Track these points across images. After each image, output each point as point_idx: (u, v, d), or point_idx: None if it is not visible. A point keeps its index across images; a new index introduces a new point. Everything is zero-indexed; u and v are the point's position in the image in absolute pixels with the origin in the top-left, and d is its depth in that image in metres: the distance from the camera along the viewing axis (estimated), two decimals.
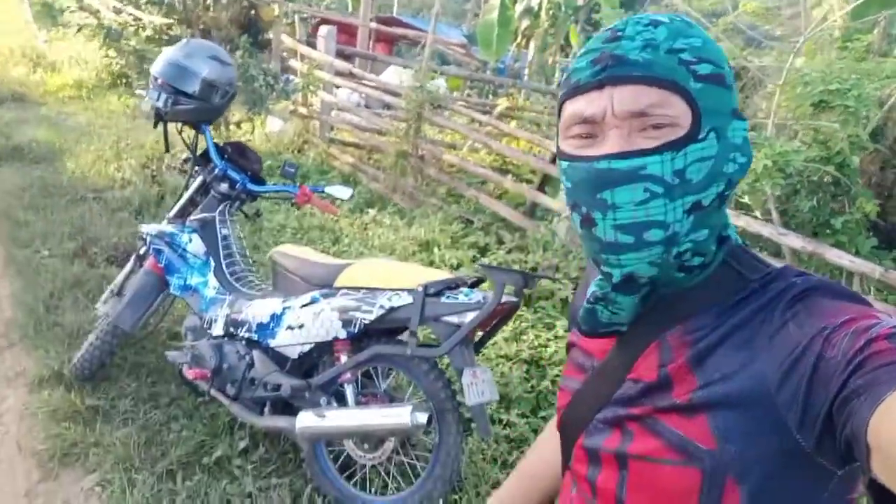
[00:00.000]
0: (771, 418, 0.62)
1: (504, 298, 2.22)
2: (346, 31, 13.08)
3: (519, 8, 10.79)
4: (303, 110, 6.76)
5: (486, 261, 3.39)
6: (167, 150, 2.98)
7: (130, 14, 6.90)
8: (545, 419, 2.90)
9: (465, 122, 6.27)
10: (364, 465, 2.48)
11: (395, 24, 16.07)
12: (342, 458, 2.49)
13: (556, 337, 3.33)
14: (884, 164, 4.67)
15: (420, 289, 2.27)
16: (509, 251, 4.17)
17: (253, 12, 11.44)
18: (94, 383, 2.94)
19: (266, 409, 2.52)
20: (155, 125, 2.78)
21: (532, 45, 10.99)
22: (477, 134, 5.30)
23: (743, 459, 0.64)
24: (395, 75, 9.97)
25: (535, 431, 2.84)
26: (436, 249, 4.28)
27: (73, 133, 7.19)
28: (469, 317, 2.23)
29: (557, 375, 3.13)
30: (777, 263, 0.76)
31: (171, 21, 7.02)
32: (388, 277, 2.37)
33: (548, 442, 1.01)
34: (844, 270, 2.79)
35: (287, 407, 2.52)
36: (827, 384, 0.58)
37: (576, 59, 0.72)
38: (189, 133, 2.87)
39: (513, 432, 2.80)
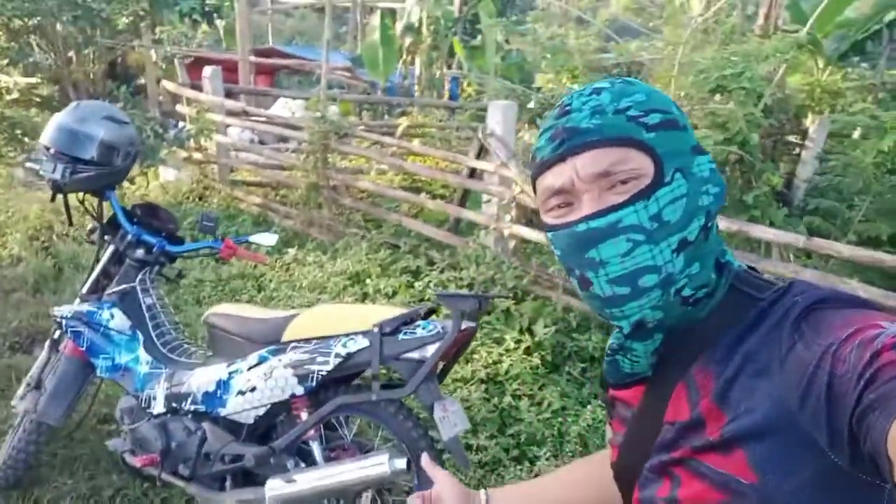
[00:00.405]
0: (803, 442, 0.62)
1: (464, 325, 2.18)
2: (226, 68, 12.69)
3: (399, 26, 10.85)
4: (198, 156, 6.46)
5: (441, 290, 3.33)
6: (70, 224, 2.74)
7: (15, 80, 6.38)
8: (513, 437, 2.87)
9: (367, 146, 6.21)
10: None
11: (274, 55, 15.75)
12: None
13: (507, 350, 3.31)
14: (768, 135, 5.01)
15: (375, 329, 2.18)
16: (442, 271, 4.13)
17: (120, 60, 10.89)
18: (23, 489, 2.65)
19: (227, 484, 2.34)
20: (53, 198, 2.55)
21: (418, 60, 11.06)
22: (386, 157, 5.24)
23: (788, 488, 0.64)
24: (284, 108, 9.75)
25: (506, 451, 2.81)
26: (368, 280, 4.18)
27: None
28: (431, 350, 2.17)
29: (516, 390, 3.12)
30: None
31: (37, 80, 6.55)
32: (338, 323, 2.27)
33: (600, 466, 1.00)
34: (769, 243, 2.95)
35: (248, 476, 2.35)
36: (843, 401, 0.58)
37: (536, 140, 0.78)
38: (92, 201, 2.64)
39: (484, 456, 2.75)
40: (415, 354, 2.19)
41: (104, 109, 2.56)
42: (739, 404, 0.67)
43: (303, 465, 2.28)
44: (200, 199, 6.47)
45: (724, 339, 0.72)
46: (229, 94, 7.48)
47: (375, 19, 11.08)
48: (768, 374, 0.66)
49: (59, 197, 2.57)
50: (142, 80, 10.16)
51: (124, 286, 2.59)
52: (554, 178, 0.74)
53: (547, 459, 2.67)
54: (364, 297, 4.07)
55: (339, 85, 13.28)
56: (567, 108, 0.74)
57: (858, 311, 0.66)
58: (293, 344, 2.28)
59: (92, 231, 2.72)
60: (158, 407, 2.42)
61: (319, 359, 2.20)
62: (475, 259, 3.95)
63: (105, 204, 2.66)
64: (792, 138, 5.50)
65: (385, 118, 9.82)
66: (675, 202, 0.71)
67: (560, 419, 2.91)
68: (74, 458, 2.80)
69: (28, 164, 2.55)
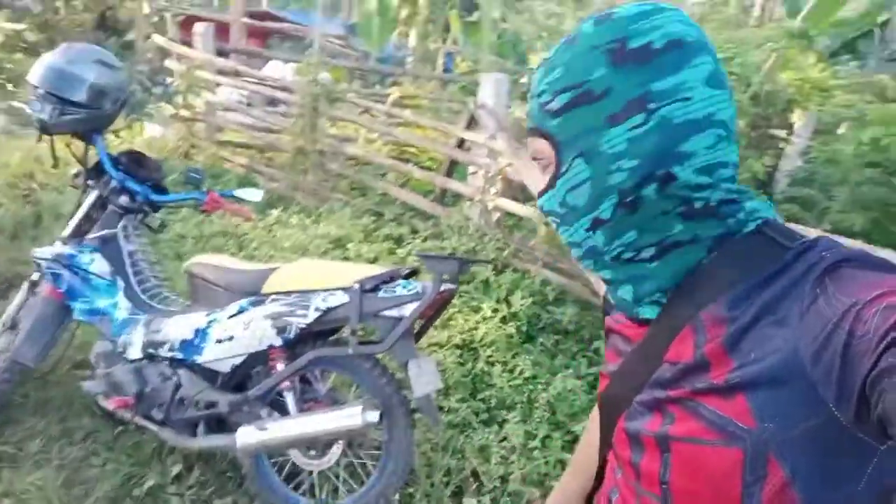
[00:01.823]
0: (808, 395, 0.62)
1: (442, 287, 2.22)
2: (217, 28, 12.48)
3: None
4: (185, 113, 6.39)
5: (424, 252, 3.34)
6: (55, 166, 2.72)
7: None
8: (483, 401, 2.93)
9: (358, 113, 6.17)
10: (311, 472, 2.40)
11: (268, 19, 15.53)
12: (287, 467, 2.40)
13: (483, 319, 3.36)
14: (755, 127, 5.06)
15: (356, 286, 2.21)
16: (425, 240, 4.16)
17: (111, 12, 10.69)
18: None
19: (200, 430, 2.37)
20: (39, 139, 2.53)
21: (413, 33, 10.96)
22: (375, 124, 5.22)
23: (784, 437, 0.65)
24: (275, 71, 9.64)
25: (476, 414, 2.86)
26: (349, 245, 4.19)
27: None
28: (409, 309, 2.20)
29: (490, 356, 3.17)
30: None
31: (24, 26, 6.41)
32: (319, 278, 2.29)
33: (592, 433, 1.01)
34: None
35: (221, 424, 2.39)
36: (859, 361, 0.57)
37: None
38: (78, 145, 2.63)
39: (455, 417, 2.81)
40: (393, 312, 2.22)
41: (96, 52, 2.53)
42: (750, 352, 0.66)
43: (276, 415, 2.31)
44: (186, 156, 6.40)
45: (744, 284, 0.69)
46: (220, 54, 7.39)
47: None
48: (786, 326, 0.65)
49: (46, 140, 2.56)
50: (132, 35, 10.00)
51: (106, 231, 2.59)
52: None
53: (515, 423, 2.73)
54: (345, 262, 4.09)
55: (332, 53, 13.16)
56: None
57: (887, 274, 0.64)
58: (273, 296, 2.30)
59: (76, 175, 2.70)
60: (135, 352, 2.43)
61: (298, 311, 2.23)
62: (458, 230, 3.98)
63: (91, 149, 2.64)
64: (778, 132, 5.57)
65: (376, 88, 9.75)
66: (576, 189, 0.73)
67: (531, 387, 2.97)
68: (47, 401, 2.81)
69: (15, 104, 2.51)
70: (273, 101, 7.43)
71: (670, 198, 0.71)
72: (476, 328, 3.30)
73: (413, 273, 2.39)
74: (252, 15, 14.11)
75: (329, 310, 2.22)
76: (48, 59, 2.45)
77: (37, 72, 2.43)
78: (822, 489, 0.65)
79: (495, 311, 3.38)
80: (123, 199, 2.60)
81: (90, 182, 2.66)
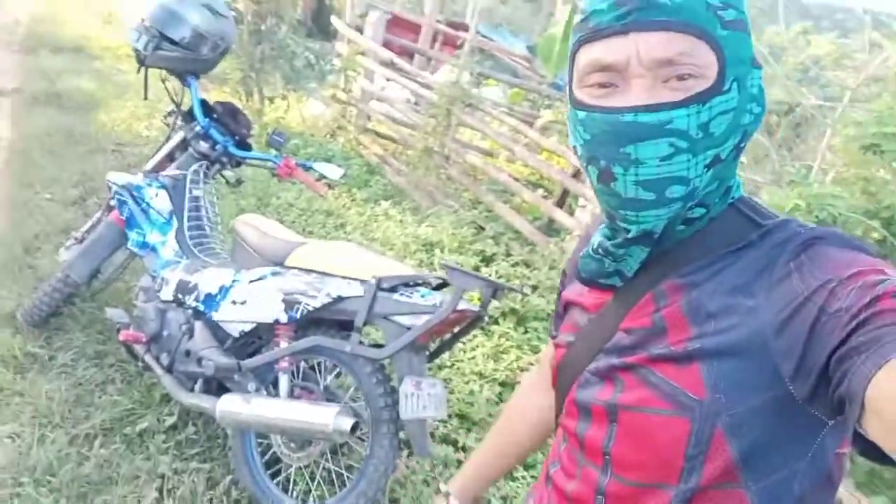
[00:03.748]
0: (765, 368, 0.62)
1: (463, 306, 1.97)
2: (414, 31, 13.03)
3: None
4: (342, 95, 6.61)
5: (451, 262, 3.05)
6: (146, 97, 2.82)
7: None
8: None
9: (505, 129, 6.02)
10: (290, 466, 2.25)
11: (463, 30, 15.93)
12: (270, 454, 2.27)
13: (538, 362, 3.03)
14: None
15: (373, 281, 2.03)
16: (514, 264, 3.89)
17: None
18: (44, 332, 2.80)
19: (196, 387, 2.31)
20: (138, 70, 2.63)
21: None
22: (499, 136, 5.03)
23: (733, 410, 0.64)
24: (448, 75, 9.78)
25: None
26: (438, 251, 4.03)
27: (118, 88, 7.21)
28: (421, 319, 1.99)
29: None
30: None
31: None
32: (343, 263, 2.14)
33: (527, 397, 1.04)
34: None
35: (221, 389, 2.31)
36: (828, 337, 0.57)
37: (593, 0, 0.67)
38: (177, 85, 2.70)
39: (466, 457, 2.52)
40: (404, 319, 2.02)
41: None
42: (710, 321, 0.66)
43: (263, 392, 2.19)
44: (332, 136, 6.63)
45: (712, 255, 0.69)
46: (397, 48, 7.59)
47: (564, 11, 10.77)
48: (753, 297, 0.64)
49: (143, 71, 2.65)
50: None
51: (178, 172, 2.63)
52: (607, 51, 0.65)
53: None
54: (428, 265, 3.93)
55: (513, 72, 13.17)
56: None
57: (861, 253, 0.63)
58: (294, 270, 2.19)
59: (169, 114, 2.79)
60: (167, 293, 2.42)
61: (310, 292, 2.10)
62: (550, 261, 3.68)
63: (188, 92, 2.71)
64: None
65: (540, 111, 9.56)
66: (725, 114, 0.65)
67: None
68: (96, 320, 2.91)
69: (126, 32, 2.64)
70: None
71: (737, 158, 0.71)
72: (527, 369, 2.98)
73: (444, 285, 2.16)
74: (451, 24, 14.56)
75: (340, 298, 2.06)
76: None
77: (149, 6, 2.52)
78: (767, 466, 0.65)
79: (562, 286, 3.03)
80: (203, 146, 2.63)
81: (180, 123, 2.73)
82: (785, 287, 0.62)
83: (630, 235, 0.69)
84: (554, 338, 0.88)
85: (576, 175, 3.95)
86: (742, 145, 0.69)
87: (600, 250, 0.74)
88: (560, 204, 4.27)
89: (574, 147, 0.73)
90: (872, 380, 0.50)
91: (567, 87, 0.73)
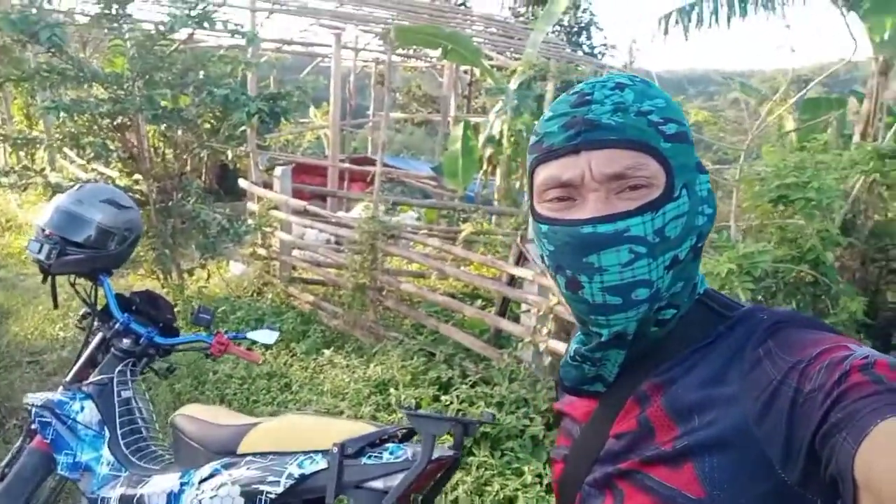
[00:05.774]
0: (754, 457, 0.62)
1: (438, 453, 1.84)
2: (320, 174, 13.35)
3: (481, 137, 11.01)
4: (262, 251, 6.55)
5: (412, 405, 2.89)
6: (55, 307, 2.66)
7: (96, 171, 6.75)
8: None
9: (429, 250, 6.07)
10: None
11: (367, 163, 16.42)
12: None
13: (524, 486, 2.86)
14: (864, 258, 4.43)
15: (335, 449, 1.88)
16: (473, 385, 3.77)
17: (233, 165, 11.72)
18: None
19: None
20: (43, 280, 2.48)
21: (498, 171, 11.12)
22: (439, 262, 5.06)
23: None
24: (363, 211, 9.94)
25: None
26: (392, 390, 3.87)
27: (26, 294, 6.89)
28: (396, 479, 1.83)
29: None
30: None
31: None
32: (299, 437, 1.99)
33: None
34: None
35: None
36: (807, 418, 0.57)
37: (543, 123, 0.72)
38: (86, 285, 2.56)
39: None
40: (378, 483, 1.86)
41: (105, 192, 2.52)
42: (693, 416, 0.66)
43: None
44: (259, 293, 6.49)
45: (684, 352, 0.71)
46: (306, 195, 7.66)
47: (458, 130, 11.32)
48: (728, 388, 0.65)
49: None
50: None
51: (102, 377, 2.44)
52: (562, 169, 0.70)
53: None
54: (386, 408, 3.75)
55: (423, 193, 13.55)
56: (587, 97, 0.70)
57: (824, 332, 0.66)
58: (248, 458, 2.01)
59: (84, 317, 2.62)
60: None
61: (270, 478, 1.91)
62: (509, 374, 3.59)
63: (101, 290, 2.56)
64: None
65: (459, 225, 9.78)
66: (678, 218, 0.69)
67: None
68: None
69: (26, 246, 2.50)
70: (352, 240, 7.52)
71: (698, 258, 0.75)
72: (515, 497, 2.80)
73: (411, 434, 2.03)
74: (353, 160, 15.00)
75: (304, 477, 1.89)
76: (58, 200, 2.45)
77: (45, 213, 2.42)
78: None
79: (539, 476, 2.88)
80: (126, 343, 2.46)
81: (97, 324, 2.56)
82: (758, 373, 0.63)
83: (603, 339, 0.71)
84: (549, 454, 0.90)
85: (511, 282, 3.95)
86: (699, 245, 0.73)
87: (577, 357, 0.76)
88: (502, 313, 4.24)
89: (541, 256, 0.77)
90: (856, 457, 0.52)
91: (528, 203, 0.77)
